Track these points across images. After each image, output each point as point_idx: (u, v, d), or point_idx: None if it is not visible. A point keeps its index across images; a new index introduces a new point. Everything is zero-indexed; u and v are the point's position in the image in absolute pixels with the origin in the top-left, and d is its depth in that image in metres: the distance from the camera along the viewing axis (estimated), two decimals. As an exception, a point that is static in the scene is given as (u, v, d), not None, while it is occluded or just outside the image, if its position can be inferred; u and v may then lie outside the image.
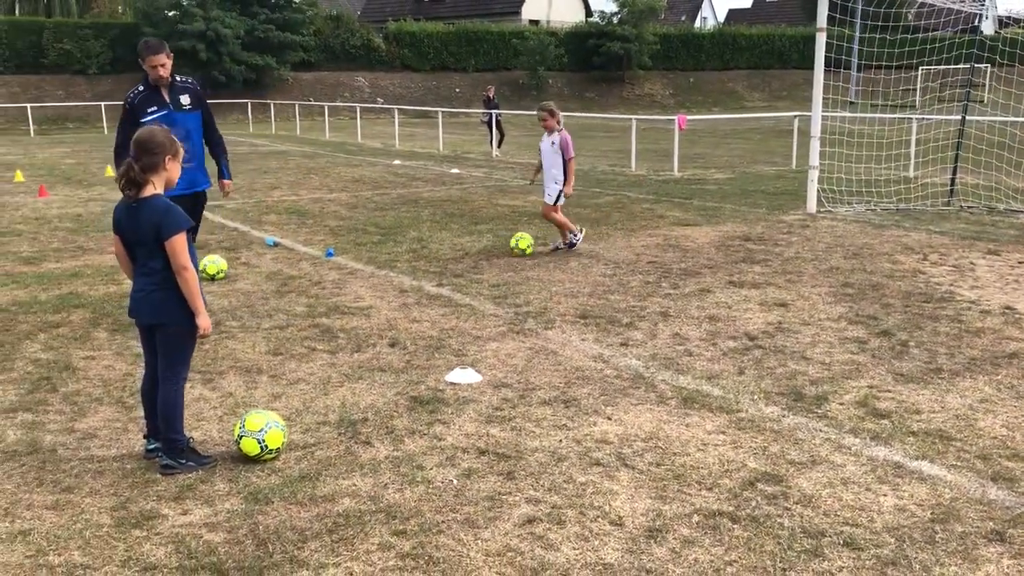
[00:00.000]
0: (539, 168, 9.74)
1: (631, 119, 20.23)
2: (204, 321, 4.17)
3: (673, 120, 18.40)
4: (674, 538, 3.61)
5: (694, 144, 24.45)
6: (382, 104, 41.38)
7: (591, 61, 51.11)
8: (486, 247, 9.85)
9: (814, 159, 12.42)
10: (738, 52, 57.60)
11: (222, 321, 6.86)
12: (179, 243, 4.05)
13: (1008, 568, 3.38)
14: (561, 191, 9.45)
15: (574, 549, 3.54)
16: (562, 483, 4.10)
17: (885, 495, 3.97)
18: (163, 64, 6.87)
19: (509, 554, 3.50)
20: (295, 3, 43.95)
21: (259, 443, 4.28)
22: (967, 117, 14.19)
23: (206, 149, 7.35)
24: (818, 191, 12.41)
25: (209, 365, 5.80)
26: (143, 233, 4.08)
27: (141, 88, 6.96)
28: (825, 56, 12.19)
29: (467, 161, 21.15)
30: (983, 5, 15.50)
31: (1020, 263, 8.78)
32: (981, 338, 6.29)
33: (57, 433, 4.73)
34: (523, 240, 9.39)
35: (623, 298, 7.50)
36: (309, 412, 5.00)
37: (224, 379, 5.57)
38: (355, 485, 4.10)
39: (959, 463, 4.29)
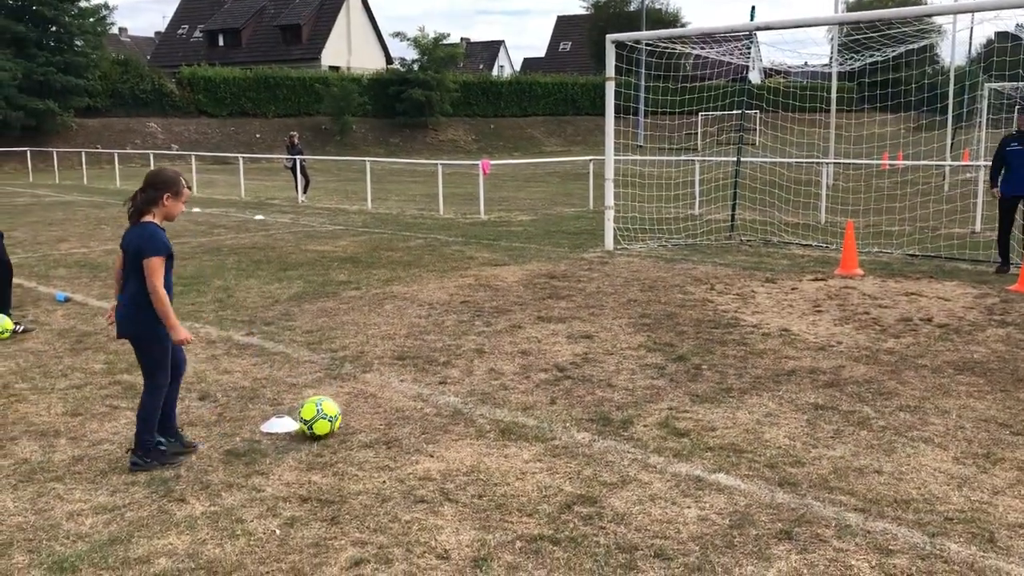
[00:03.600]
0: None
1: (437, 164, 20.60)
2: (179, 334, 4.68)
3: (477, 165, 18.92)
4: (499, 565, 3.73)
5: (498, 188, 25.19)
6: (177, 151, 39.72)
7: (394, 107, 51.54)
8: (297, 293, 9.71)
9: (609, 200, 13.19)
10: (535, 99, 59.97)
11: (10, 384, 6.38)
12: (153, 264, 4.57)
13: (796, 562, 3.75)
14: None
15: (403, 586, 3.58)
16: (387, 523, 4.14)
17: (689, 507, 4.29)
18: None
19: (338, 597, 3.49)
20: (78, 46, 41.49)
21: (329, 422, 5.20)
22: (741, 159, 15.56)
23: None
24: (614, 230, 13.17)
25: (-3, 431, 5.38)
26: (129, 252, 4.68)
27: None
28: (615, 103, 13.04)
29: (272, 207, 20.71)
30: (748, 57, 17.13)
31: (793, 290, 9.71)
32: (764, 358, 6.91)
33: None
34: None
35: (439, 338, 7.64)
36: (116, 472, 4.75)
37: (17, 445, 5.18)
38: (171, 544, 3.95)
39: (751, 473, 4.70)
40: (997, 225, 10.98)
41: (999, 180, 10.91)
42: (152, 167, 29.75)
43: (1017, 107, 11.57)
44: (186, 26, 69.12)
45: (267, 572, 3.68)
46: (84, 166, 32.42)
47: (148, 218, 4.72)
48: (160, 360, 4.78)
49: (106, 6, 42.86)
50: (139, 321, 4.69)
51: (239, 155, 28.23)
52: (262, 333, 7.89)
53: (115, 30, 63.33)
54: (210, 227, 16.53)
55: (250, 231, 15.83)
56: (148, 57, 65.61)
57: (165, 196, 4.72)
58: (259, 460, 4.92)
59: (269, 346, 7.42)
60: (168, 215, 4.78)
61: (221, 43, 65.35)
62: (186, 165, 33.33)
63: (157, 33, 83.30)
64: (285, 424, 5.42)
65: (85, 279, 10.87)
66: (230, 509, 4.30)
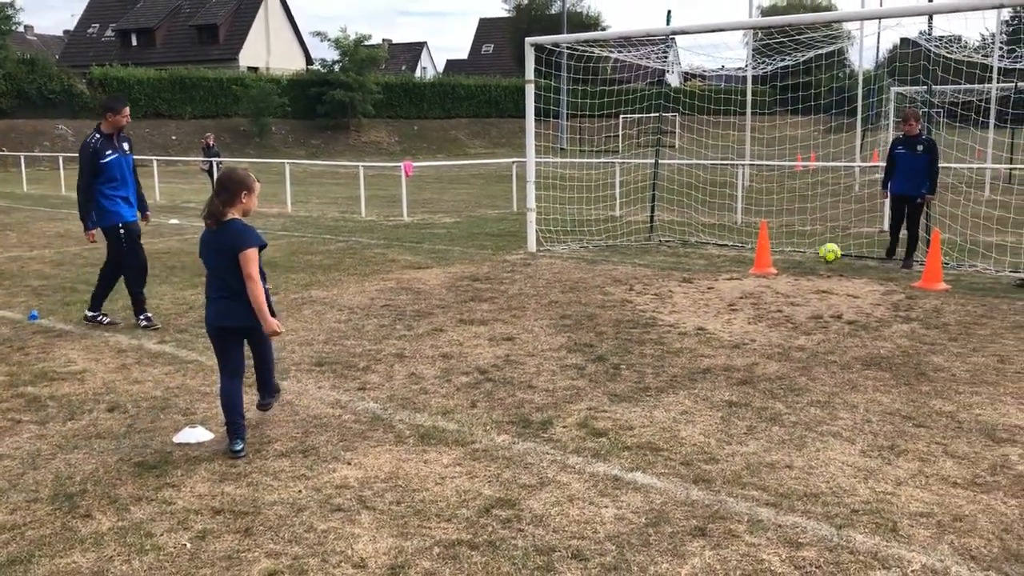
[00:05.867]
0: None
1: (359, 166, 20.39)
2: (270, 326, 4.89)
3: (400, 166, 18.79)
4: (416, 572, 3.70)
5: (422, 190, 25.07)
6: (88, 153, 38.32)
7: (315, 109, 50.84)
8: (212, 300, 9.47)
9: (531, 202, 13.26)
10: (458, 101, 59.89)
11: (-98, 399, 6.06)
12: (251, 256, 4.82)
13: (710, 558, 3.82)
14: None
15: (318, 597, 3.52)
16: (303, 533, 4.07)
17: (606, 507, 4.33)
18: (128, 116, 8.40)
19: (250, 611, 3.42)
20: (-21, 45, 39.83)
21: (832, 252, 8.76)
22: (659, 161, 15.82)
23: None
24: (537, 232, 13.24)
25: None
26: (223, 252, 4.86)
27: (98, 135, 8.25)
28: (536, 106, 13.11)
29: (188, 211, 20.18)
30: (666, 61, 17.42)
31: (709, 289, 9.91)
32: (680, 357, 7.03)
33: None
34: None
35: (359, 343, 7.55)
36: (16, 490, 4.56)
37: (-92, 464, 4.92)
38: (75, 562, 3.81)
39: (666, 471, 4.78)
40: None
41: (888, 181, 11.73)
42: (61, 171, 28.38)
43: (901, 114, 12.39)
44: (96, 25, 66.94)
45: (177, 588, 3.58)
46: (-12, 169, 31.09)
47: (230, 215, 4.93)
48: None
49: (11, 4, 41.26)
50: (250, 313, 4.91)
51: (153, 158, 27.46)
52: (175, 341, 7.68)
53: (20, 28, 60.85)
54: (122, 232, 15.99)
55: (164, 236, 15.41)
56: (57, 56, 63.29)
57: (243, 194, 4.96)
58: (170, 472, 4.78)
59: (182, 354, 7.23)
60: (245, 211, 5.02)
61: (134, 43, 63.52)
62: (97, 168, 32.12)
63: (66, 32, 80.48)
64: (198, 434, 5.28)
65: (-13, 288, 10.42)
66: (139, 523, 4.17)
